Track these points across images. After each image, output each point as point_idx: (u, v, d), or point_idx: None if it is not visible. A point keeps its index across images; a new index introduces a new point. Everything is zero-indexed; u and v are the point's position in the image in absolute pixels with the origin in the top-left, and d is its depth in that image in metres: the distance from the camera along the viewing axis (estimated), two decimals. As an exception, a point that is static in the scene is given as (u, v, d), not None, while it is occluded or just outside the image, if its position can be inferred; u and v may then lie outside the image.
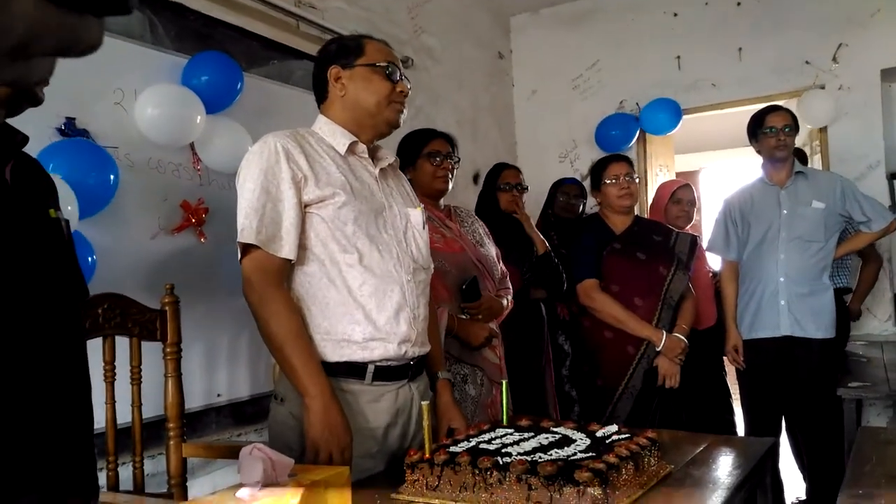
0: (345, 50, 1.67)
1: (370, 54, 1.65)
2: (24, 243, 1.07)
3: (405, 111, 1.70)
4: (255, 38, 2.71)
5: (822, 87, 3.88)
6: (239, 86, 2.41)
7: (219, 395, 2.43)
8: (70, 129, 2.02)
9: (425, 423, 1.33)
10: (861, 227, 2.98)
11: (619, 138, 4.27)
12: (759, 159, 3.12)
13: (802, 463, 3.27)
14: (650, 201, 3.86)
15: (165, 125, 2.20)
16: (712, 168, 6.54)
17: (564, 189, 3.51)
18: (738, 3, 4.10)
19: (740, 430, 3.45)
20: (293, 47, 2.87)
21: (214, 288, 2.38)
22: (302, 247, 1.55)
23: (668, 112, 4.14)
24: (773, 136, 2.95)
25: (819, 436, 2.88)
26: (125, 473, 1.86)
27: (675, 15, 4.26)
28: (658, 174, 4.53)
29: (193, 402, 2.25)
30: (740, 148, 5.57)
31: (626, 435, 1.45)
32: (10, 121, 1.16)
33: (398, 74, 1.66)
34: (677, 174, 5.04)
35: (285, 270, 1.55)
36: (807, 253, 2.95)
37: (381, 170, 1.71)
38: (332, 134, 1.65)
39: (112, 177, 1.99)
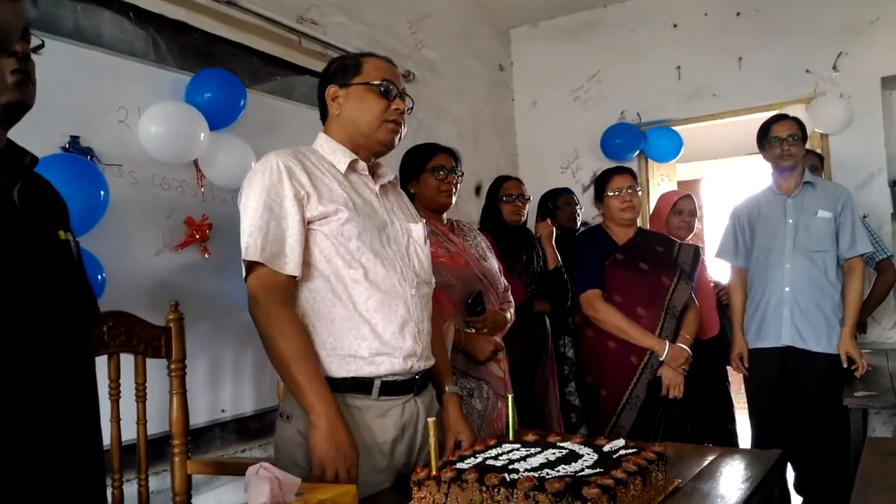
0: (343, 69, 1.67)
1: (367, 72, 1.65)
2: (30, 265, 1.07)
3: (403, 130, 1.69)
4: (258, 54, 2.72)
5: (823, 95, 3.89)
6: (242, 102, 2.42)
7: (223, 411, 2.42)
8: (74, 148, 2.03)
9: (431, 441, 1.33)
10: (842, 252, 2.92)
11: (623, 147, 4.31)
12: (761, 167, 3.12)
13: (800, 483, 3.23)
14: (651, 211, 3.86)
15: (169, 143, 2.20)
16: (714, 176, 6.53)
17: (565, 199, 3.52)
18: (738, 14, 4.12)
19: (742, 439, 3.43)
20: (295, 63, 2.88)
21: (219, 303, 2.38)
22: (306, 264, 1.55)
23: (670, 140, 4.28)
24: (777, 146, 2.94)
25: (826, 446, 2.86)
26: (130, 490, 1.86)
27: (675, 26, 4.28)
28: (660, 184, 4.54)
29: (198, 417, 2.25)
30: (742, 156, 5.59)
31: (634, 450, 1.44)
32: (18, 141, 1.18)
33: (395, 92, 1.65)
34: (679, 183, 5.04)
35: (290, 287, 1.55)
36: (813, 263, 2.91)
37: (382, 186, 1.71)
38: (332, 152, 1.66)
39: (102, 192, 1.95)
